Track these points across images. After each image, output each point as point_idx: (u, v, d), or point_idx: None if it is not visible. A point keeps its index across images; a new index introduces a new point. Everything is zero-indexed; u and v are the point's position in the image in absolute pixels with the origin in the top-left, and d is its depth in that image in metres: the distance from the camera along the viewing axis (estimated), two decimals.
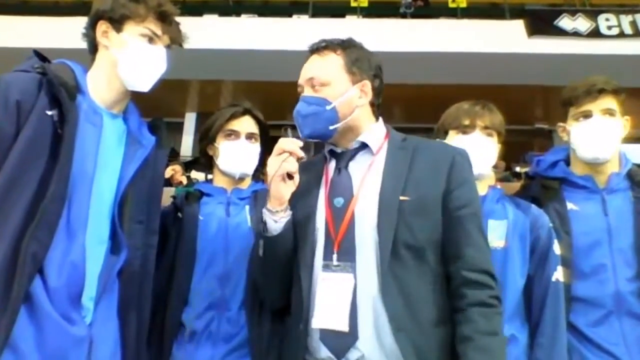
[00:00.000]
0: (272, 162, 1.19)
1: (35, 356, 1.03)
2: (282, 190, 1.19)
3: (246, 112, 1.60)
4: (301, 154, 1.17)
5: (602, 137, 1.49)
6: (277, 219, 1.20)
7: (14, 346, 1.01)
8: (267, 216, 1.21)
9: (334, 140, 1.26)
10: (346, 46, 1.27)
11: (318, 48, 1.28)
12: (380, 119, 1.32)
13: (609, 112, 1.50)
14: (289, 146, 1.17)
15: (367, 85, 1.25)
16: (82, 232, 1.14)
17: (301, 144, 1.18)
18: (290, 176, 1.19)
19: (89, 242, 1.16)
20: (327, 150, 1.32)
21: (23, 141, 1.07)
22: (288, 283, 1.25)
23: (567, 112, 1.58)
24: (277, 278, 1.26)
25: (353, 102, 1.23)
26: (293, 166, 1.17)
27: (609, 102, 1.50)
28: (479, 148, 1.46)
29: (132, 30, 1.23)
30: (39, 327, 1.05)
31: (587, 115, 1.51)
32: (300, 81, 1.27)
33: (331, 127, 1.21)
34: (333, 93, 1.21)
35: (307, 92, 1.24)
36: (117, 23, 1.23)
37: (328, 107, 1.20)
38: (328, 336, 1.12)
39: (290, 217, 1.21)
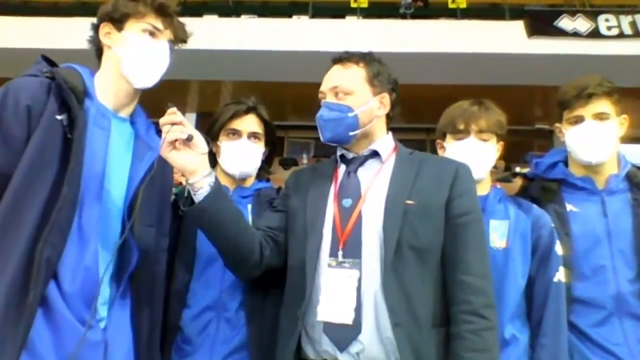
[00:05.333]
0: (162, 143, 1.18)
1: (52, 359, 1.03)
2: (180, 161, 1.19)
3: (250, 110, 1.58)
4: (177, 119, 1.17)
5: (595, 141, 1.49)
6: (195, 191, 1.21)
7: (32, 349, 1.02)
8: (189, 189, 1.23)
9: (348, 145, 1.34)
10: (368, 60, 1.35)
11: (341, 59, 1.36)
12: (390, 133, 1.40)
13: (601, 116, 1.50)
14: (166, 119, 1.17)
15: (386, 97, 1.36)
16: (94, 236, 1.15)
17: (175, 109, 1.18)
18: (186, 143, 1.18)
19: (100, 247, 1.16)
20: (338, 155, 1.39)
21: (34, 146, 1.07)
22: (241, 256, 1.27)
23: (561, 114, 1.58)
24: (222, 248, 1.29)
25: (373, 112, 1.33)
26: (175, 134, 1.17)
27: (601, 105, 1.50)
28: (474, 154, 1.47)
29: (133, 27, 1.25)
30: (56, 330, 1.05)
31: (579, 120, 1.52)
32: (323, 89, 1.34)
33: (351, 133, 1.31)
34: (355, 102, 1.30)
35: (330, 99, 1.32)
36: (119, 22, 1.25)
37: (350, 115, 1.29)
38: (331, 329, 1.17)
39: (210, 190, 1.20)
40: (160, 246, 1.30)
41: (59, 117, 1.11)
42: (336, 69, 1.35)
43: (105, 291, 1.17)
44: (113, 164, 1.22)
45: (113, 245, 1.19)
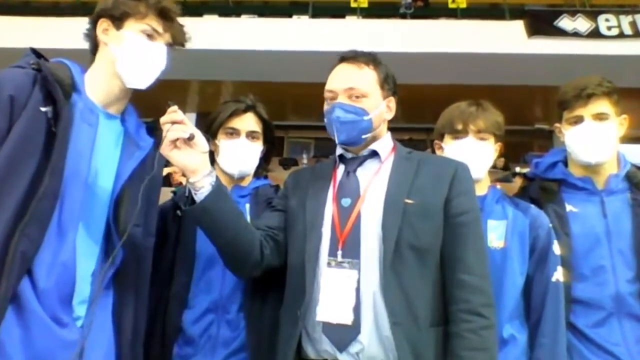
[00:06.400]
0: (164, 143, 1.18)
1: (21, 358, 1.00)
2: (181, 159, 1.18)
3: (248, 109, 1.57)
4: (178, 118, 1.16)
5: (595, 142, 1.49)
6: (196, 190, 1.20)
7: (0, 347, 0.99)
8: (190, 188, 1.22)
9: (355, 147, 1.34)
10: (377, 62, 1.34)
11: (353, 58, 1.32)
12: (389, 133, 1.40)
13: (601, 117, 1.49)
14: (167, 117, 1.17)
15: (392, 101, 1.36)
16: (73, 232, 1.12)
17: (176, 108, 1.17)
18: (187, 142, 1.18)
19: (81, 243, 1.14)
20: (337, 155, 1.38)
21: (15, 136, 1.05)
22: (241, 255, 1.27)
23: (561, 114, 1.58)
24: (222, 247, 1.28)
25: (382, 115, 1.34)
26: (176, 133, 1.16)
27: (601, 105, 1.49)
28: (472, 153, 1.47)
29: (132, 27, 1.23)
30: (27, 328, 1.02)
31: (579, 120, 1.51)
32: (336, 88, 1.30)
33: (363, 136, 1.30)
34: (369, 105, 1.29)
35: (343, 99, 1.29)
36: (118, 20, 1.23)
37: (365, 118, 1.28)
38: (331, 329, 1.16)
39: (212, 189, 1.20)
40: (146, 245, 1.28)
41: (43, 109, 1.09)
42: (349, 69, 1.32)
43: (84, 290, 1.14)
44: (100, 161, 1.20)
45: (97, 242, 1.18)
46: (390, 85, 1.35)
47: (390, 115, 1.36)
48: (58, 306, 1.07)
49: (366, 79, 1.30)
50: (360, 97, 1.28)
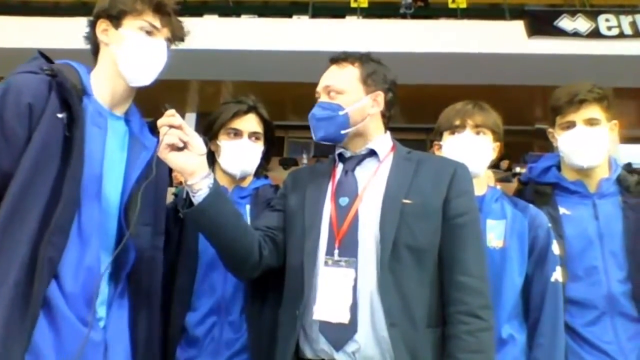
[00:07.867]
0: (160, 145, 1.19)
1: (54, 359, 1.04)
2: (179, 162, 1.18)
3: (250, 109, 1.57)
4: (176, 122, 1.16)
5: (587, 147, 1.52)
6: (194, 192, 1.20)
7: (35, 349, 1.02)
8: (188, 190, 1.22)
9: (344, 144, 1.35)
10: (364, 60, 1.36)
11: (338, 59, 1.37)
12: (389, 132, 1.40)
13: (592, 122, 1.52)
14: (164, 120, 1.17)
15: (380, 95, 1.34)
16: (94, 236, 1.14)
17: (173, 111, 1.17)
18: (183, 147, 1.18)
19: (99, 247, 1.16)
20: (336, 154, 1.39)
21: (36, 145, 1.07)
22: (240, 257, 1.27)
23: (554, 119, 1.60)
24: (221, 249, 1.28)
25: (365, 110, 1.32)
26: (172, 137, 1.16)
27: (592, 111, 1.52)
28: (470, 147, 1.48)
29: (130, 25, 1.23)
30: (58, 330, 1.05)
31: (571, 125, 1.54)
32: (318, 88, 1.36)
33: (342, 132, 1.30)
34: (346, 101, 1.30)
35: (323, 98, 1.33)
36: (116, 19, 1.23)
37: (340, 113, 1.29)
38: (327, 328, 1.16)
39: (210, 191, 1.19)
40: (157, 245, 1.30)
41: (60, 116, 1.11)
42: (331, 69, 1.36)
43: (103, 291, 1.17)
44: (109, 163, 1.21)
45: (111, 246, 1.20)
46: (378, 80, 1.34)
47: (377, 109, 1.34)
48: (84, 308, 1.10)
49: (344, 77, 1.33)
50: (336, 93, 1.31)
